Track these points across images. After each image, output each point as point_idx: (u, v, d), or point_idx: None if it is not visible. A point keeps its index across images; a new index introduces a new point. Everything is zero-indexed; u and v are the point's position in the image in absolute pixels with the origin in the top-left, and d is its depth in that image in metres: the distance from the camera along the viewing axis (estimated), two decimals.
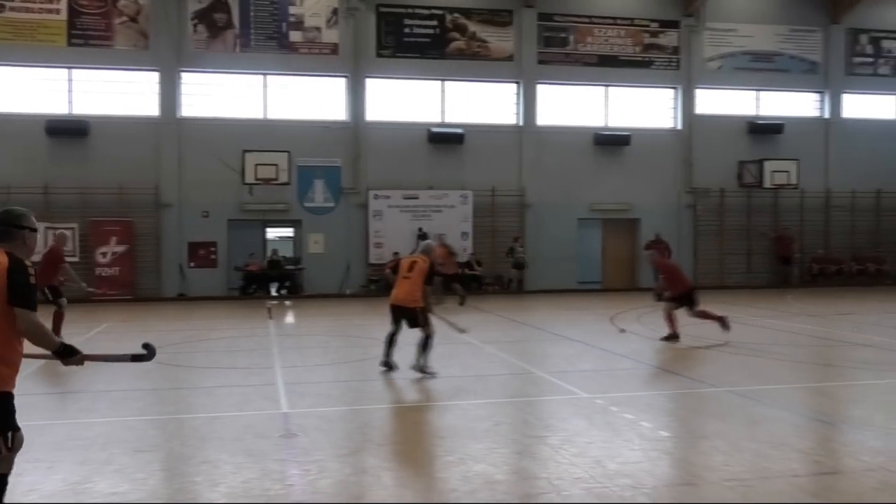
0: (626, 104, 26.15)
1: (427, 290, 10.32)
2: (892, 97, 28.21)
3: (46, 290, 12.67)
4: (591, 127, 25.69)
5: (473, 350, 12.55)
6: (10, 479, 4.55)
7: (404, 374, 10.10)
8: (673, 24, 26.17)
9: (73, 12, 22.61)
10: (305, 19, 23.98)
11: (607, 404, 8.37)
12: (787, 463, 6.25)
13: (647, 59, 26.05)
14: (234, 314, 19.12)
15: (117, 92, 23.12)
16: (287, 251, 25.01)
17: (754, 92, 27.08)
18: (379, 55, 24.38)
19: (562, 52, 25.52)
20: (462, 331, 10.90)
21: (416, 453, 6.88)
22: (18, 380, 4.44)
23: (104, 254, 22.31)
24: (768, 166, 25.56)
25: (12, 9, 22.26)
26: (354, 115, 24.19)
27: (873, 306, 20.03)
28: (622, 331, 14.61)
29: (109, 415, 8.26)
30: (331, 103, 24.36)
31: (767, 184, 25.57)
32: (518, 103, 25.33)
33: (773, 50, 26.90)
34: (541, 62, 25.27)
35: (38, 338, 4.36)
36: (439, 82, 24.96)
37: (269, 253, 24.29)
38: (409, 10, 24.56)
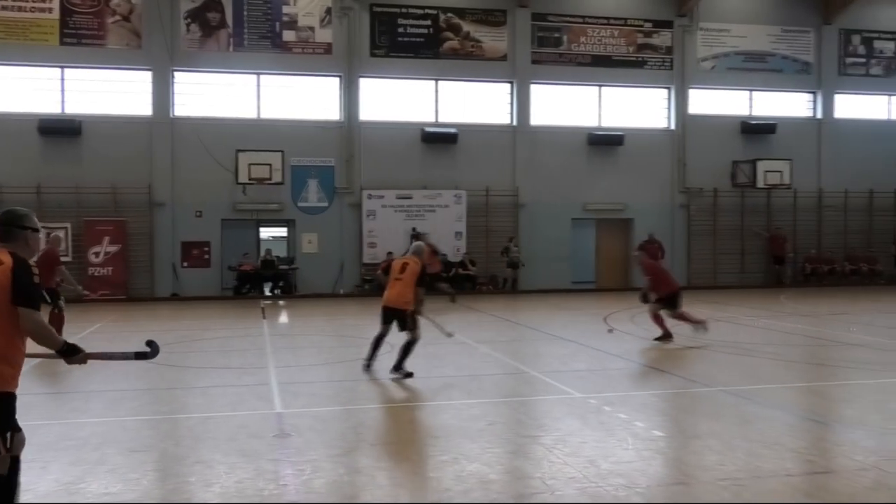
0: (619, 104, 26.19)
1: (419, 291, 10.38)
2: (885, 97, 28.32)
3: (45, 294, 12.62)
4: (585, 127, 25.72)
5: (467, 350, 12.55)
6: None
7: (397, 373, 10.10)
8: (666, 25, 26.22)
9: (66, 11, 22.54)
10: (299, 19, 23.95)
11: (601, 404, 8.39)
12: (781, 462, 6.27)
13: (640, 59, 26.10)
14: (228, 314, 19.09)
15: (110, 91, 23.07)
16: (281, 251, 24.97)
17: (747, 92, 27.15)
18: (373, 55, 24.36)
19: (555, 51, 25.55)
20: (449, 335, 10.89)
21: (410, 453, 6.88)
22: None
23: (97, 253, 22.25)
24: (761, 166, 25.64)
25: (4, 8, 22.18)
26: (348, 114, 24.17)
27: (866, 306, 20.11)
28: (610, 331, 14.60)
29: (102, 415, 8.24)
30: (324, 103, 24.33)
31: (760, 184, 25.65)
32: (512, 103, 25.34)
33: (765, 50, 26.97)
34: (534, 62, 25.29)
35: (43, 337, 4.36)
36: (433, 82, 24.96)
37: (262, 253, 24.25)
38: (403, 10, 24.55)
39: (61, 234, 20.71)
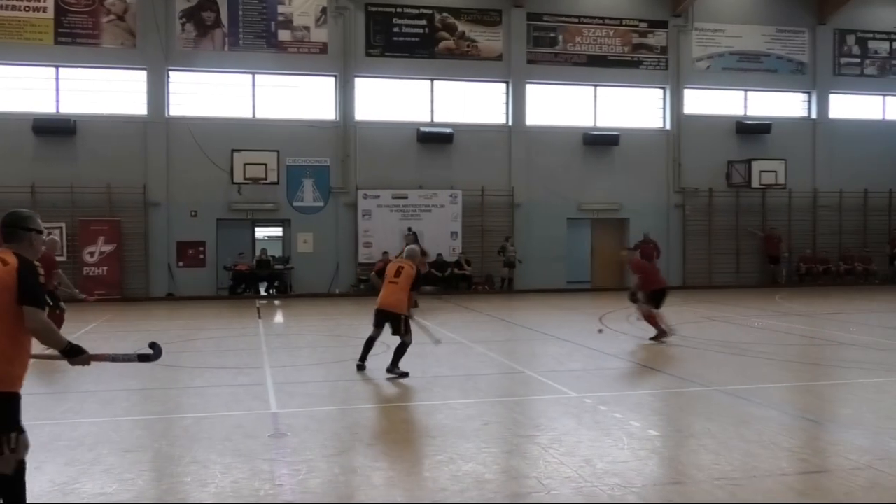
0: (614, 104, 26.22)
1: (412, 295, 10.50)
2: (879, 97, 28.39)
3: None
4: (581, 127, 25.74)
5: (463, 349, 12.56)
6: None
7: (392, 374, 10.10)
8: (661, 25, 26.24)
9: (60, 10, 22.48)
10: (294, 18, 23.93)
11: (596, 403, 8.39)
12: (776, 462, 6.28)
13: (635, 59, 26.12)
14: (223, 314, 19.06)
15: (105, 91, 23.02)
16: (276, 251, 24.95)
17: (742, 92, 27.21)
18: (368, 54, 24.35)
19: (551, 51, 25.56)
20: (437, 342, 10.84)
21: (406, 453, 6.87)
22: None
23: (92, 253, 22.20)
24: (756, 166, 25.68)
25: None
26: (343, 114, 24.16)
27: (861, 305, 20.15)
28: (600, 331, 14.52)
29: (97, 415, 8.22)
30: (320, 103, 24.32)
31: (755, 183, 25.68)
32: (507, 103, 25.35)
33: (760, 50, 27.02)
34: (530, 62, 25.31)
35: (47, 336, 4.39)
36: (428, 82, 24.96)
37: (258, 252, 24.23)
38: (398, 10, 24.54)
39: (56, 234, 20.63)
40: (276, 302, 22.36)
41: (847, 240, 27.55)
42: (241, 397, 8.99)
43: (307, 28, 23.99)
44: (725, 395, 8.90)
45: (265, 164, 22.36)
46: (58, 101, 22.76)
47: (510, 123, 25.24)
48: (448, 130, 24.55)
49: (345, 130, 24.12)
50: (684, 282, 26.04)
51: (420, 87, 24.95)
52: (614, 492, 5.57)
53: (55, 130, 22.25)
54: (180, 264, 23.26)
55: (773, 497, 5.52)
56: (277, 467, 6.25)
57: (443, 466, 6.21)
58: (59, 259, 15.94)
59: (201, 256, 23.38)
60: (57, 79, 22.81)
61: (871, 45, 28.09)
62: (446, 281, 23.85)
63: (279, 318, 19.03)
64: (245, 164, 22.26)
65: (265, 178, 22.43)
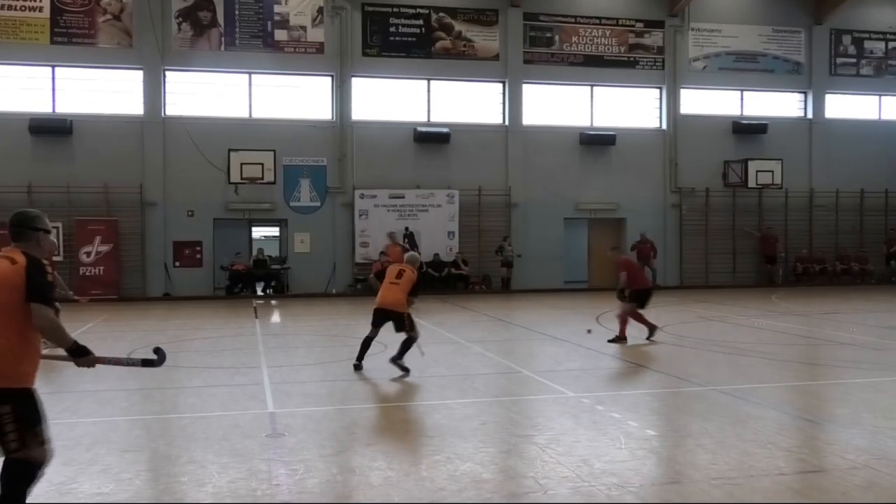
0: (611, 104, 26.24)
1: (410, 300, 10.53)
2: (875, 97, 28.43)
3: None
4: (577, 126, 25.76)
5: (460, 349, 12.56)
6: None
7: (391, 373, 10.09)
8: (658, 25, 26.26)
9: (56, 10, 22.45)
10: (291, 18, 23.91)
11: (594, 403, 8.39)
12: (773, 461, 6.28)
13: (632, 59, 26.14)
14: (220, 314, 19.03)
15: (101, 90, 23.00)
16: (273, 250, 24.96)
17: (738, 92, 27.24)
18: (365, 54, 24.34)
19: (547, 51, 25.57)
20: (422, 353, 10.74)
21: (403, 452, 6.87)
22: None
23: (88, 253, 22.16)
24: (753, 166, 25.70)
25: None
26: (340, 114, 24.15)
27: (857, 305, 20.18)
28: (588, 331, 14.39)
29: (94, 415, 8.21)
30: (316, 102, 24.30)
31: (752, 183, 25.70)
32: (504, 103, 25.35)
33: (757, 50, 27.05)
34: (526, 62, 25.32)
35: (55, 333, 4.44)
36: (425, 81, 24.96)
37: (254, 252, 24.21)
38: (395, 10, 24.54)
39: (52, 234, 20.60)
40: (273, 302, 22.35)
41: (843, 239, 27.58)
42: (238, 397, 8.99)
43: (304, 28, 23.98)
44: (722, 394, 8.91)
45: (262, 164, 22.35)
46: (54, 100, 22.73)
47: (507, 123, 25.25)
48: (445, 130, 24.55)
49: (341, 130, 24.11)
50: (681, 281, 26.08)
51: (417, 86, 24.95)
52: (612, 491, 5.58)
53: (51, 130, 22.21)
54: (177, 264, 23.23)
55: (770, 496, 5.52)
56: (275, 467, 6.24)
57: (440, 466, 6.21)
58: (55, 259, 15.95)
59: (198, 256, 23.36)
60: (53, 78, 22.77)
61: (868, 45, 28.13)
62: (444, 281, 23.84)
63: (276, 317, 19.01)
64: (242, 164, 22.25)
65: (262, 178, 22.42)
